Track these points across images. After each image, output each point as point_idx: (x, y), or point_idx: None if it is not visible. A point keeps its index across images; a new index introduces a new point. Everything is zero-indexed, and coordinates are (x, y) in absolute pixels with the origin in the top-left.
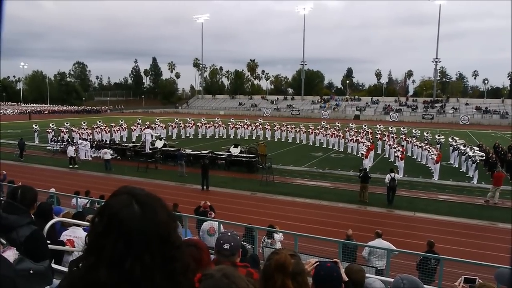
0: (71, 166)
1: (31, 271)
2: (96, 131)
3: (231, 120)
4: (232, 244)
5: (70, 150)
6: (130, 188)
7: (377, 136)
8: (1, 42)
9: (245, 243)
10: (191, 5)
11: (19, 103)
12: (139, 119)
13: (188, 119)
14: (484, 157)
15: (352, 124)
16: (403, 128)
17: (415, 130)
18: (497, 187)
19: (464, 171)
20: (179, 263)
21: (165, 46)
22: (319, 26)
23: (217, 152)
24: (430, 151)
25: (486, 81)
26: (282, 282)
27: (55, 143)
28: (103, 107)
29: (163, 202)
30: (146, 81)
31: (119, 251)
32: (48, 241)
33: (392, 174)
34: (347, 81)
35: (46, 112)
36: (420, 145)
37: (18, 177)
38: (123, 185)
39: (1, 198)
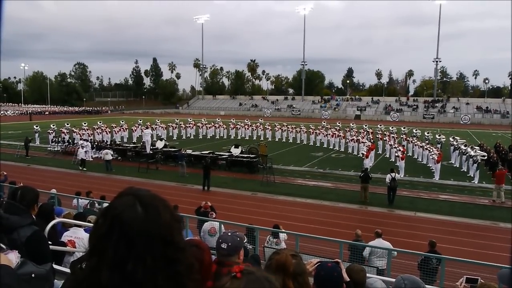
0: (84, 169)
1: (33, 275)
2: (97, 131)
3: (231, 120)
4: (229, 244)
5: (81, 153)
6: (135, 189)
7: (377, 136)
8: (1, 43)
9: (246, 243)
10: (192, 6)
11: (20, 104)
12: (140, 120)
13: (189, 120)
14: (485, 157)
15: (352, 124)
16: (404, 128)
17: (416, 130)
18: (500, 186)
19: (465, 170)
20: (182, 265)
21: (165, 47)
22: (320, 26)
23: (217, 153)
24: (431, 151)
25: (486, 81)
26: (283, 283)
27: (56, 144)
28: (103, 108)
29: (167, 203)
30: (147, 81)
31: (121, 253)
32: (49, 242)
33: (393, 174)
34: (348, 81)
35: (47, 113)
36: (421, 145)
37: (20, 178)
38: (124, 185)
39: (3, 199)
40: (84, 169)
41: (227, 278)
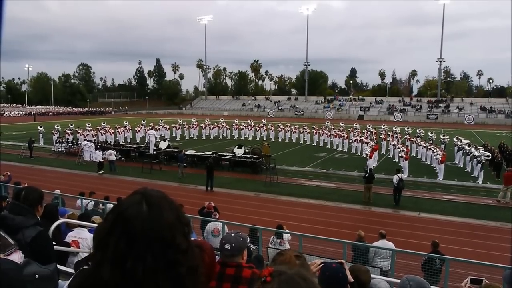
0: (100, 172)
1: (36, 276)
2: (101, 132)
3: (235, 121)
4: (233, 244)
5: (98, 155)
6: (147, 189)
7: (381, 136)
8: (1, 43)
9: (249, 244)
10: (195, 6)
11: (24, 105)
12: (143, 120)
13: (192, 120)
14: (490, 157)
15: (356, 124)
16: (408, 128)
17: (420, 130)
18: (508, 186)
19: (469, 171)
20: (183, 267)
21: (169, 47)
22: (323, 27)
23: (221, 153)
24: (435, 151)
25: (490, 81)
26: None
27: (60, 145)
28: (107, 109)
29: (174, 205)
30: (150, 82)
31: (121, 250)
32: (54, 242)
33: (400, 175)
34: (351, 81)
35: (51, 113)
36: (424, 145)
37: (24, 179)
38: (127, 186)
39: (8, 200)
40: (100, 172)
41: (259, 281)
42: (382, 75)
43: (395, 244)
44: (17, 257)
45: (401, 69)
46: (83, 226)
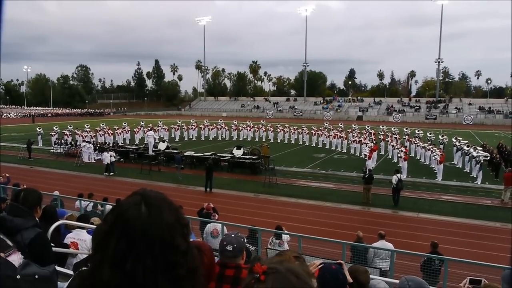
0: (106, 173)
1: (36, 276)
2: (99, 133)
3: (233, 122)
4: (235, 245)
5: (106, 157)
6: (146, 190)
7: (380, 137)
8: (0, 44)
9: (248, 244)
10: (193, 8)
11: (23, 106)
12: (142, 122)
13: (191, 121)
14: (488, 157)
15: (355, 125)
16: (406, 129)
17: (418, 131)
18: (509, 187)
19: (468, 171)
20: (183, 269)
21: (167, 49)
22: (321, 27)
23: (220, 154)
24: (434, 151)
25: (489, 81)
26: None
27: (59, 146)
28: (106, 110)
29: (174, 206)
30: (149, 83)
31: (121, 251)
32: (52, 244)
33: (399, 175)
34: (350, 82)
35: (50, 115)
36: (423, 145)
37: (23, 180)
38: (126, 187)
39: (7, 201)
40: (106, 174)
41: (250, 277)
42: (380, 75)
43: (394, 244)
44: (16, 258)
45: (399, 69)
46: (82, 228)
